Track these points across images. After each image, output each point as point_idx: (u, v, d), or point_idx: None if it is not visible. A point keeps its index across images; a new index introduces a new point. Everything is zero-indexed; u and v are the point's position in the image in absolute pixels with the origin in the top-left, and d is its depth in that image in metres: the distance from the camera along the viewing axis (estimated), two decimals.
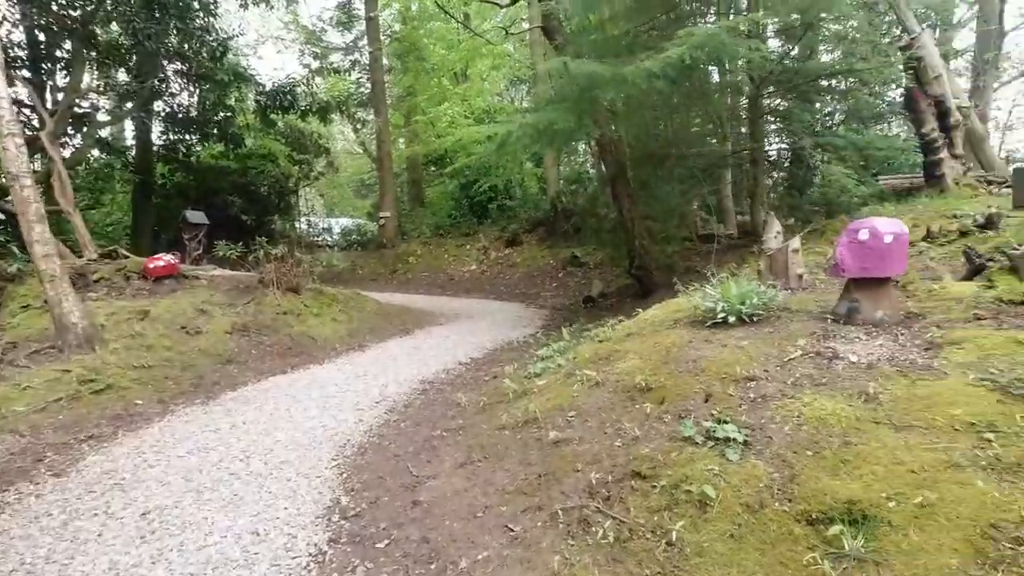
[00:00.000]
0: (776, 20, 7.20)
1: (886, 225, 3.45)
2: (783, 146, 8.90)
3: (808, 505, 2.19)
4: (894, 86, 9.17)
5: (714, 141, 9.48)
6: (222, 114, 14.54)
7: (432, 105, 18.86)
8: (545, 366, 4.98)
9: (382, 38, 19.04)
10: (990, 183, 7.74)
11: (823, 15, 7.16)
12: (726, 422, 2.77)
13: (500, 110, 19.14)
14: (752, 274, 6.49)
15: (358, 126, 21.05)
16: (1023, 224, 4.75)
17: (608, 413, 3.46)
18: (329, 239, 21.11)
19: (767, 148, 8.84)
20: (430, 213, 19.59)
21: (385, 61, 20.04)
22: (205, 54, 11.93)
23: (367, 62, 18.95)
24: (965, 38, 16.63)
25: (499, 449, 3.71)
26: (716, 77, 10.63)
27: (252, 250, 8.54)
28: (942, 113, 7.60)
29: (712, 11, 9.40)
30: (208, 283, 8.33)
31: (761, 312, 3.98)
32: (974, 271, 3.81)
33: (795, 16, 7.09)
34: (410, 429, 4.73)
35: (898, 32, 9.44)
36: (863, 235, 3.48)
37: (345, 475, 3.90)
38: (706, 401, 3.11)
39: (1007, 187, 7.54)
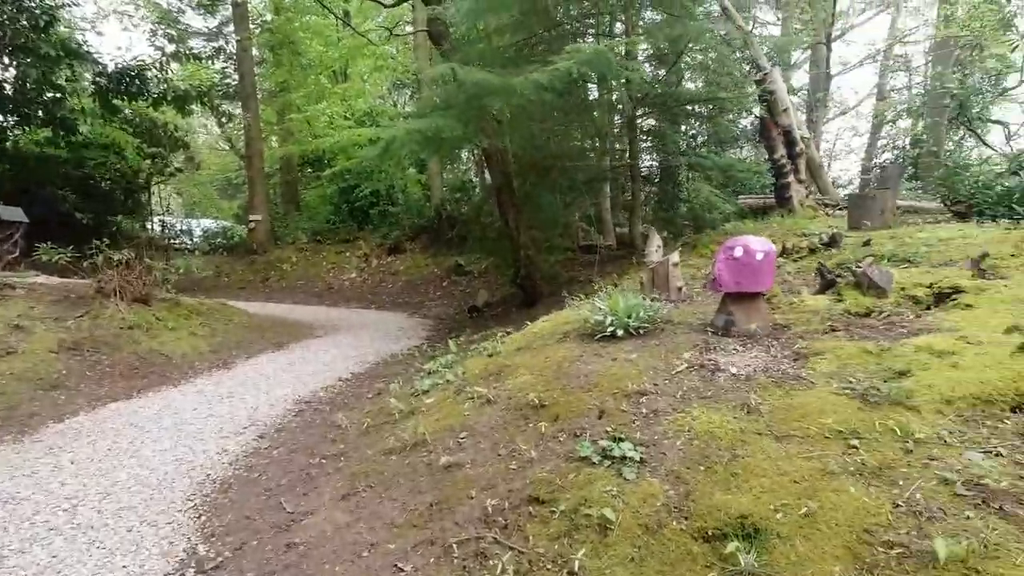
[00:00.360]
0: (649, 47, 7.63)
1: (757, 243, 3.69)
2: (656, 164, 9.49)
3: (704, 522, 2.20)
4: (748, 115, 10.23)
5: (593, 156, 9.86)
6: (49, 94, 12.48)
7: (309, 103, 17.78)
8: (433, 382, 4.75)
9: (252, 27, 17.63)
10: (826, 206, 8.81)
11: (691, 45, 7.72)
12: (622, 439, 2.76)
13: (382, 113, 18.53)
14: (634, 285, 6.76)
15: (224, 120, 19.29)
16: (858, 243, 5.39)
17: (502, 433, 3.33)
18: (189, 242, 19.06)
19: (643, 165, 9.37)
20: (307, 217, 18.43)
21: (256, 52, 18.58)
22: (25, 22, 10.17)
23: (234, 51, 17.43)
24: (800, 78, 19.04)
25: (386, 476, 3.43)
26: (595, 94, 11.14)
27: (88, 254, 7.34)
28: (790, 142, 8.52)
29: (591, 32, 9.81)
30: (27, 293, 7.02)
31: (648, 325, 4.10)
32: (826, 285, 4.21)
33: (666, 44, 7.56)
34: (284, 457, 4.27)
35: (747, 68, 10.51)
36: (738, 252, 3.70)
37: (204, 518, 3.39)
38: (600, 418, 3.09)
39: (840, 210, 8.62)
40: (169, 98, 13.53)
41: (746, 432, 2.62)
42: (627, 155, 8.97)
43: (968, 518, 1.95)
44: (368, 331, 9.44)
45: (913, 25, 20.77)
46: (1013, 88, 16.33)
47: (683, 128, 9.58)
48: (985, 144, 9.62)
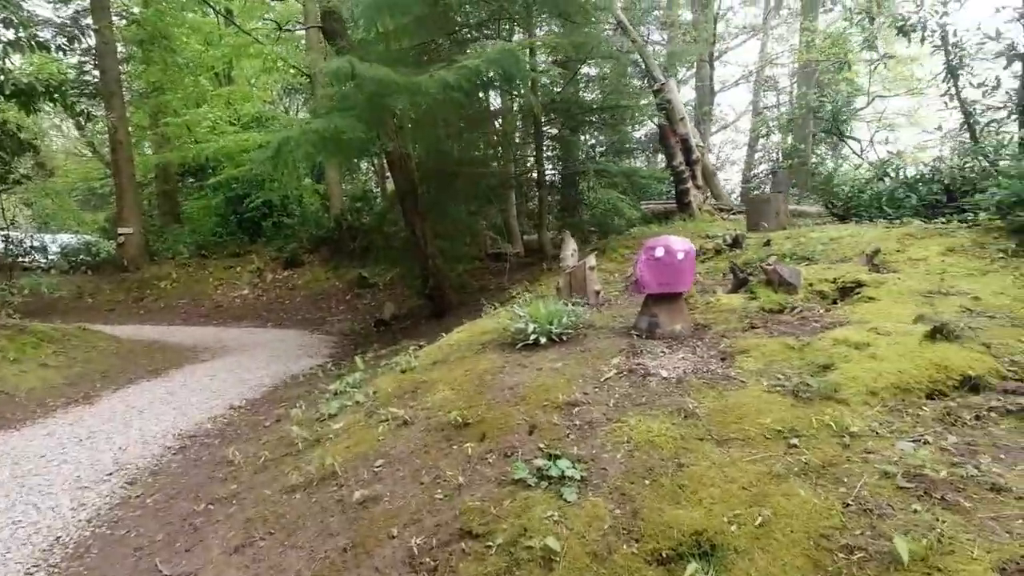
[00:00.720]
0: (555, 53, 7.63)
1: (678, 243, 3.65)
2: (563, 170, 9.55)
3: (657, 543, 2.01)
4: (642, 124, 10.63)
5: (499, 163, 9.74)
6: None
7: (188, 107, 16.23)
8: (341, 404, 4.28)
9: (117, 20, 15.82)
10: (721, 210, 9.28)
11: (593, 53, 7.83)
12: (558, 457, 2.53)
13: (273, 119, 17.33)
14: (549, 291, 6.64)
15: (83, 121, 17.09)
16: (759, 244, 5.62)
17: (423, 458, 2.99)
18: (43, 260, 16.63)
19: (548, 171, 9.38)
20: (189, 231, 16.74)
21: (121, 48, 16.68)
22: None
23: (94, 44, 15.50)
24: (686, 94, 20.27)
25: (289, 519, 2.96)
26: (498, 102, 11.06)
27: None
28: (687, 149, 8.89)
29: (491, 40, 9.72)
30: None
31: (570, 331, 3.94)
32: (739, 284, 4.29)
33: (572, 51, 7.60)
34: (161, 506, 3.63)
35: (642, 80, 10.92)
36: (659, 252, 3.64)
37: None
38: (531, 433, 2.85)
39: (735, 214, 9.11)
40: (7, 92, 11.64)
41: (687, 439, 2.49)
42: (533, 162, 8.92)
43: (916, 511, 1.90)
44: (264, 351, 8.60)
45: (780, 50, 23.01)
46: (862, 108, 18.71)
47: (586, 136, 9.76)
48: (858, 153, 10.65)
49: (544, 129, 8.63)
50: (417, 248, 8.44)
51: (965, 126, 7.00)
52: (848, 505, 1.99)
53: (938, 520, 1.84)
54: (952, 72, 6.95)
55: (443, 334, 5.47)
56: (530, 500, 2.34)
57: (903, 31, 6.36)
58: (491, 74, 5.26)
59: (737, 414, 2.58)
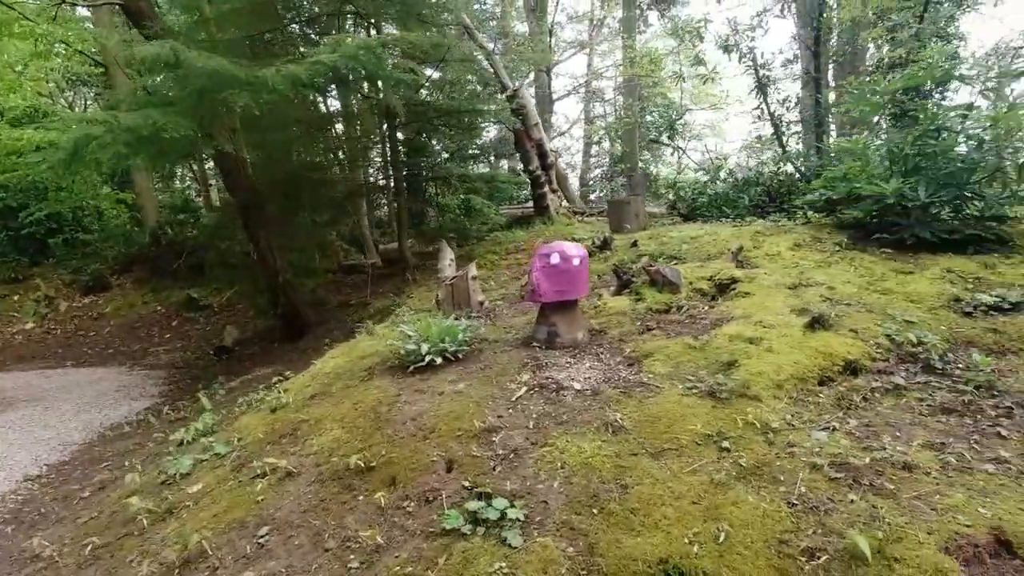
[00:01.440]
0: (407, 55, 7.26)
1: (572, 248, 3.57)
2: (419, 175, 9.17)
3: None
4: (490, 130, 10.71)
5: (345, 169, 9.09)
6: None
7: None
8: (195, 459, 3.51)
9: None
10: (576, 213, 9.64)
11: (448, 57, 7.62)
12: (490, 495, 2.25)
13: (51, 114, 14.37)
14: (420, 303, 6.28)
15: None
16: (626, 245, 5.84)
17: (323, 517, 2.50)
18: None
19: (406, 176, 8.95)
20: None
21: None
22: None
23: None
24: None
25: None
26: (337, 104, 10.33)
27: None
28: (542, 154, 9.08)
29: (326, 38, 9.02)
30: None
31: (465, 348, 3.66)
32: (622, 286, 4.36)
33: (431, 50, 7.30)
34: None
35: (489, 87, 11.01)
36: (555, 259, 3.52)
37: None
38: (450, 471, 2.53)
39: (589, 216, 9.51)
40: None
41: (622, 455, 2.37)
42: (383, 166, 8.45)
43: (852, 502, 1.97)
44: (68, 398, 6.98)
45: (604, 64, 25.01)
46: (680, 119, 21.08)
47: (442, 140, 9.50)
48: (677, 160, 11.80)
49: (398, 133, 8.21)
50: (264, 263, 7.49)
51: (775, 137, 8.02)
52: (793, 505, 2.00)
53: (875, 508, 1.92)
54: (762, 89, 7.93)
55: (312, 360, 4.86)
56: (469, 552, 2.04)
57: (727, 49, 7.15)
58: (349, 71, 4.75)
59: (664, 423, 2.53)
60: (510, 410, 2.90)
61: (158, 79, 5.11)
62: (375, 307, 7.24)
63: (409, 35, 5.07)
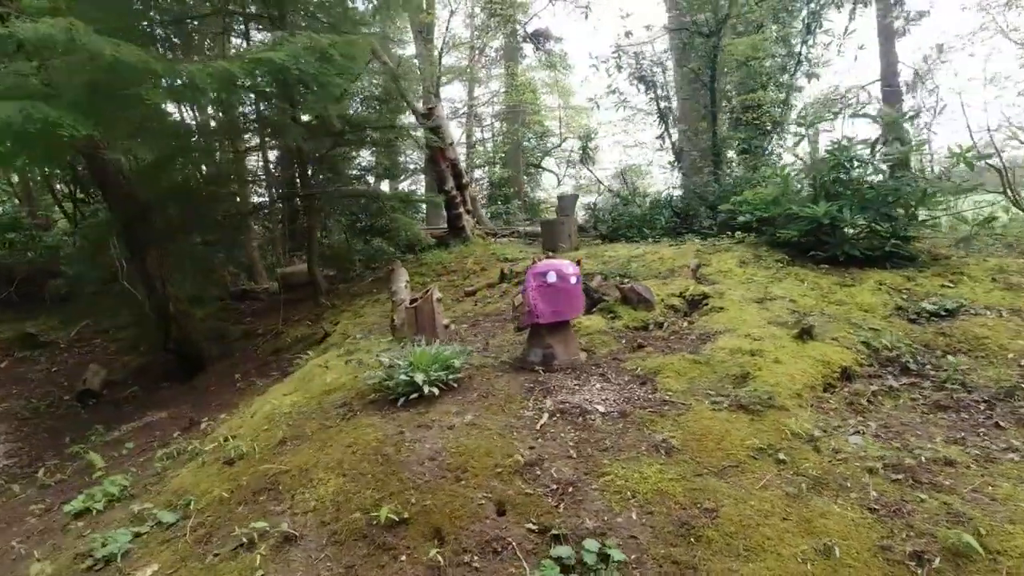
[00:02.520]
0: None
1: (569, 267, 3.48)
2: (331, 192, 8.49)
3: None
4: (415, 146, 10.32)
5: (243, 184, 8.20)
6: None
7: None
8: (132, 534, 2.81)
9: None
10: (489, 234, 9.58)
11: (367, 70, 7.23)
12: (571, 538, 2.05)
13: None
14: (349, 328, 5.78)
15: None
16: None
17: None
18: None
19: (326, 193, 8.23)
20: None
21: None
22: None
23: None
24: None
25: None
26: (225, 112, 9.32)
27: None
28: (457, 174, 8.93)
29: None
30: None
31: (458, 375, 3.39)
32: (592, 304, 4.35)
33: (346, 63, 6.85)
34: None
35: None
36: (551, 278, 3.41)
37: None
38: (503, 513, 2.28)
39: (501, 236, 9.50)
40: None
41: (688, 477, 2.30)
42: (298, 184, 7.75)
43: (924, 501, 2.08)
44: None
45: (483, 91, 25.66)
46: (558, 145, 22.32)
47: (357, 157, 8.93)
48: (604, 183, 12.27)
49: (310, 146, 7.58)
50: (151, 291, 6.43)
51: (677, 164, 8.65)
52: (875, 510, 2.06)
53: (946, 504, 2.04)
54: (664, 119, 8.54)
55: (232, 399, 4.23)
56: None
57: (643, 80, 7.63)
58: (299, 74, 4.21)
59: (711, 440, 2.51)
60: (539, 440, 2.71)
61: (33, 64, 4.15)
62: (291, 336, 6.53)
63: (337, 44, 4.65)
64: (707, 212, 7.61)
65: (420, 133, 8.36)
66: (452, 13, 17.19)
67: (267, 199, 10.35)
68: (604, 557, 1.94)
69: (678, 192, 8.47)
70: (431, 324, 4.30)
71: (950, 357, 3.13)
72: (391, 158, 9.39)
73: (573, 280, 3.45)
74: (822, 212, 4.44)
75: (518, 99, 21.22)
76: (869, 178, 4.72)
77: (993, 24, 14.06)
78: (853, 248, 4.41)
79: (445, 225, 9.57)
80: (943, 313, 3.59)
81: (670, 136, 8.63)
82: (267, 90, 4.08)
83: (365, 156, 8.85)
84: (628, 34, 8.30)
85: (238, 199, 8.31)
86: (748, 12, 7.75)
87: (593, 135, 9.77)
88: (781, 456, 2.37)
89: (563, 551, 1.98)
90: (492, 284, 6.06)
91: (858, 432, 2.56)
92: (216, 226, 8.29)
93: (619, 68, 7.86)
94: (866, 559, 1.87)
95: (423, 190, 16.89)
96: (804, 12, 7.91)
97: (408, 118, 9.00)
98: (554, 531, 2.10)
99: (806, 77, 8.39)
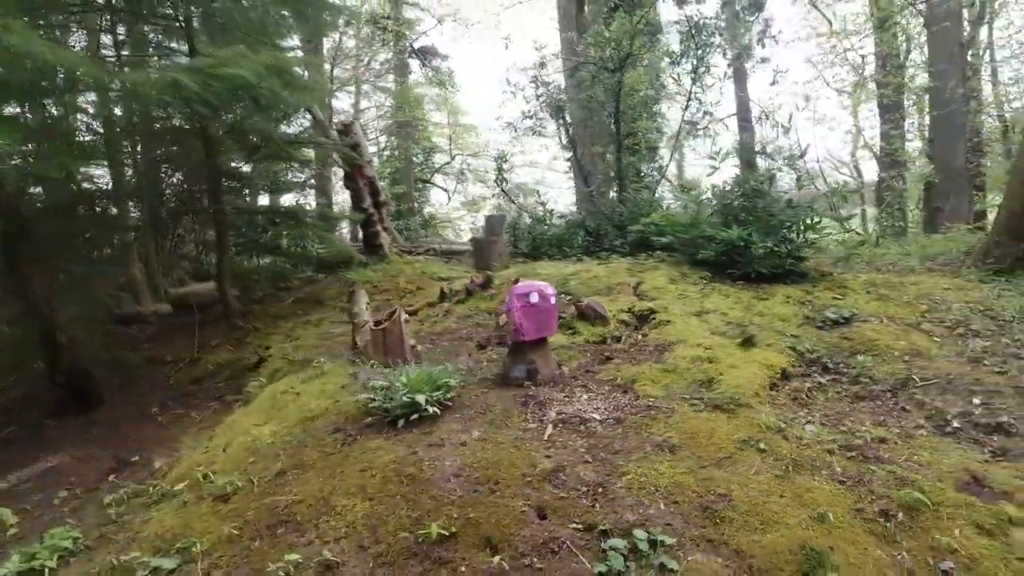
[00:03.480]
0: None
1: (546, 288, 3.77)
2: (240, 206, 7.92)
3: (782, 571, 2.14)
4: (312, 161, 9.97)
5: (142, 197, 7.46)
6: None
7: None
8: None
9: None
10: (408, 252, 9.58)
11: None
12: (629, 530, 2.32)
13: None
14: (285, 352, 5.59)
15: None
16: (508, 282, 6.14)
17: None
18: None
19: (236, 209, 7.65)
20: None
21: None
22: None
23: None
24: None
25: None
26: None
27: None
28: (375, 191, 8.86)
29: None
30: None
31: (451, 394, 3.52)
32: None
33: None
34: None
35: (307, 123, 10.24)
36: (534, 298, 3.68)
37: None
38: (544, 517, 2.48)
39: (418, 254, 9.55)
40: None
41: (695, 470, 2.68)
42: (206, 198, 7.21)
43: (875, 472, 2.64)
44: None
45: (368, 104, 25.31)
46: (448, 162, 22.76)
47: (270, 171, 8.40)
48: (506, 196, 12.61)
49: (221, 159, 7.12)
50: (37, 315, 5.66)
51: (587, 187, 9.34)
52: (843, 482, 2.58)
53: (892, 473, 2.61)
54: (573, 145, 9.20)
55: (155, 436, 3.96)
56: None
57: (559, 108, 8.20)
58: (262, 91, 3.97)
59: (703, 436, 2.92)
60: (552, 448, 2.95)
61: None
62: (211, 363, 6.08)
63: (262, 58, 4.46)
64: (615, 232, 8.31)
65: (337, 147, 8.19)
66: (348, 24, 16.88)
67: (148, 215, 9.45)
68: (652, 543, 2.23)
69: (576, 213, 9.13)
70: (400, 346, 4.35)
71: (858, 356, 3.89)
72: (308, 173, 9.06)
73: (552, 300, 3.74)
74: (736, 236, 5.20)
75: (410, 115, 21.30)
76: (770, 207, 5.59)
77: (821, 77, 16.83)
78: (762, 266, 5.21)
79: (359, 243, 9.42)
80: (841, 320, 4.42)
81: (578, 160, 9.30)
82: (210, 102, 3.82)
83: (287, 170, 8.44)
84: (543, 65, 8.93)
85: (128, 213, 7.53)
86: (646, 52, 8.67)
87: (508, 156, 10.19)
88: (761, 446, 2.84)
89: (616, 542, 2.25)
90: (432, 303, 6.16)
91: (810, 422, 3.12)
92: (104, 243, 7.47)
93: (538, 97, 8.42)
94: (849, 520, 2.36)
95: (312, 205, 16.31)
96: (691, 55, 9.01)
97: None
98: (600, 527, 2.36)
99: (703, 113, 9.53)
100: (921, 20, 11.95)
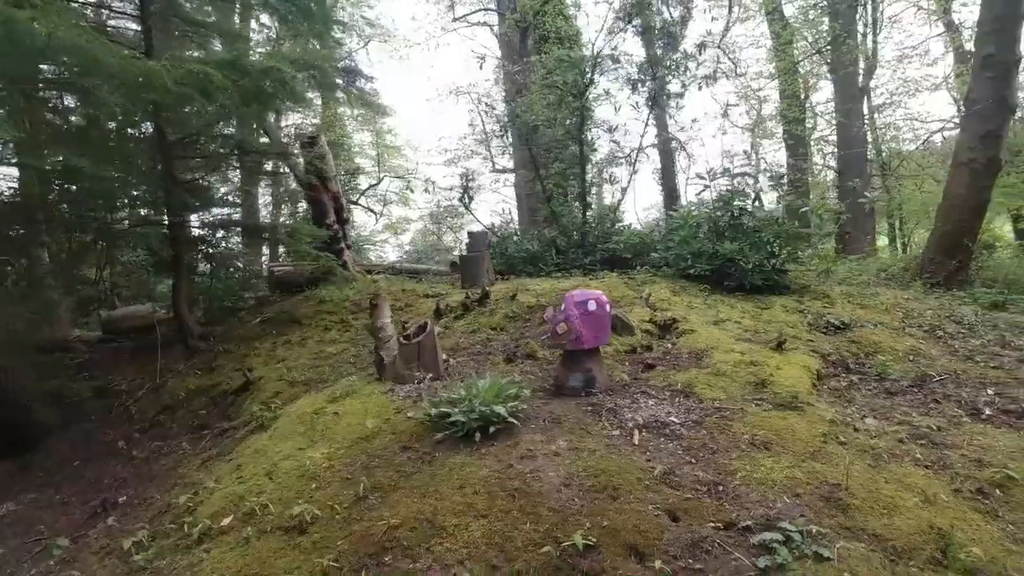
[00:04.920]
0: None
1: (602, 296, 3.78)
2: (202, 218, 7.16)
3: (926, 550, 2.25)
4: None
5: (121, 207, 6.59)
6: None
7: None
8: None
9: None
10: (369, 272, 9.21)
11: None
12: (770, 525, 2.34)
13: None
14: (284, 373, 5.18)
15: None
16: (505, 298, 6.07)
17: None
18: None
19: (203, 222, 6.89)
20: None
21: None
22: None
23: None
24: None
25: None
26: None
27: None
28: (339, 208, 8.47)
29: None
30: None
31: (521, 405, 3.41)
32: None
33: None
34: None
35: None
36: (591, 306, 3.68)
37: None
38: (677, 520, 2.46)
39: (379, 273, 9.23)
40: None
41: (796, 465, 2.76)
42: (165, 210, 6.51)
43: (949, 455, 2.87)
44: None
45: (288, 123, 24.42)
46: (376, 184, 22.44)
47: (233, 182, 7.68)
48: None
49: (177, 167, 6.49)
50: None
51: (550, 207, 9.50)
52: (928, 467, 2.77)
53: (964, 456, 2.85)
54: (535, 163, 9.38)
55: (161, 476, 3.54)
56: None
57: (534, 129, 8.33)
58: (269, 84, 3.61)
59: (786, 434, 3.03)
60: (649, 452, 2.93)
61: None
62: (182, 389, 5.44)
63: (232, 55, 4.16)
64: (579, 251, 8.47)
65: (300, 161, 7.77)
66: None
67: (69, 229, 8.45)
68: (801, 533, 2.28)
69: (527, 231, 9.28)
70: (434, 360, 4.16)
71: (879, 356, 4.23)
72: (278, 187, 8.49)
73: (608, 308, 3.75)
74: (733, 250, 5.52)
75: (337, 135, 20.74)
76: (754, 224, 6.00)
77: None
78: (755, 279, 5.56)
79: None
80: (842, 326, 4.79)
81: (542, 181, 9.46)
82: (231, 100, 3.47)
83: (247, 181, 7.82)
84: (519, 92, 9.07)
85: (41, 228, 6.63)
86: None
87: (474, 175, 10.14)
88: (841, 439, 3.00)
89: (768, 536, 2.26)
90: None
91: (864, 416, 3.34)
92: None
93: (503, 126, 8.53)
94: (952, 500, 2.53)
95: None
96: (647, 87, 9.56)
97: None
98: (740, 524, 2.37)
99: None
100: (825, 68, 13.48)
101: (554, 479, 2.71)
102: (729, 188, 6.74)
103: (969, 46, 17.32)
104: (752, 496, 2.54)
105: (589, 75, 8.92)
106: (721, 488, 2.61)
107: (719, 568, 2.18)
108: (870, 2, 13.34)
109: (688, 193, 16.00)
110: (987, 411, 3.35)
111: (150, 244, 6.19)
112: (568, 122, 9.16)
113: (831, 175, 15.57)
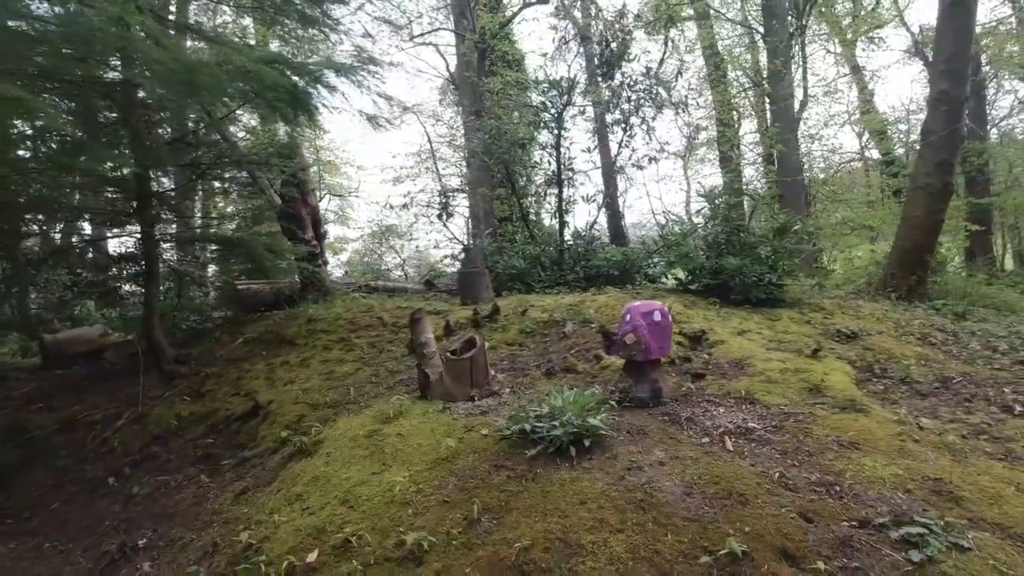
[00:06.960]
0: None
1: (664, 307, 3.81)
2: (179, 235, 6.47)
3: None
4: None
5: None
6: None
7: None
8: None
9: None
10: (347, 285, 8.81)
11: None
12: (895, 523, 2.40)
13: None
14: (290, 395, 4.83)
15: None
16: (516, 313, 5.98)
17: None
18: None
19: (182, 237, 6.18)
20: None
21: None
22: None
23: None
24: None
25: None
26: None
27: None
28: (316, 222, 8.07)
29: None
30: None
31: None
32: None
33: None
34: None
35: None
36: (657, 317, 3.70)
37: None
38: (811, 521, 2.47)
39: (358, 288, 8.86)
40: None
41: (893, 462, 2.87)
42: (134, 221, 5.88)
43: (1013, 448, 3.09)
44: None
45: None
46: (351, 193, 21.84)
47: (213, 194, 7.00)
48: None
49: (154, 182, 5.94)
50: None
51: (525, 225, 9.54)
52: (1002, 459, 2.97)
53: None
54: (512, 181, 9.41)
55: (181, 514, 3.22)
56: (963, 565, 2.18)
57: (520, 146, 8.35)
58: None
59: (864, 435, 3.15)
60: (749, 458, 2.95)
61: None
62: (171, 417, 4.90)
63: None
64: (559, 268, 8.54)
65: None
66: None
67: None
68: (936, 525, 2.35)
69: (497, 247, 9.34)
70: (485, 375, 4.01)
71: (897, 362, 4.52)
72: (255, 201, 7.93)
73: (669, 318, 3.78)
74: (738, 265, 5.76)
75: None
76: (751, 240, 6.30)
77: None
78: (759, 292, 5.82)
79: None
80: (851, 335, 5.10)
81: (520, 205, 9.50)
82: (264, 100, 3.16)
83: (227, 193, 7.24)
84: (478, 113, 9.06)
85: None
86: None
87: (452, 193, 9.96)
88: (915, 437, 3.16)
89: (909, 530, 2.32)
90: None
91: (917, 415, 3.54)
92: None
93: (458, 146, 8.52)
94: None
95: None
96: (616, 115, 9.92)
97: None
98: (875, 522, 2.41)
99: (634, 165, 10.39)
100: (765, 99, 14.56)
101: (674, 488, 2.66)
102: (712, 206, 7.06)
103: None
104: (870, 494, 2.61)
105: (567, 96, 9.11)
106: (837, 488, 2.66)
107: (875, 565, 2.20)
108: (798, 44, 14.67)
109: (629, 216, 16.64)
110: (1017, 408, 3.65)
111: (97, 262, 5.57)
112: (544, 140, 9.28)
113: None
